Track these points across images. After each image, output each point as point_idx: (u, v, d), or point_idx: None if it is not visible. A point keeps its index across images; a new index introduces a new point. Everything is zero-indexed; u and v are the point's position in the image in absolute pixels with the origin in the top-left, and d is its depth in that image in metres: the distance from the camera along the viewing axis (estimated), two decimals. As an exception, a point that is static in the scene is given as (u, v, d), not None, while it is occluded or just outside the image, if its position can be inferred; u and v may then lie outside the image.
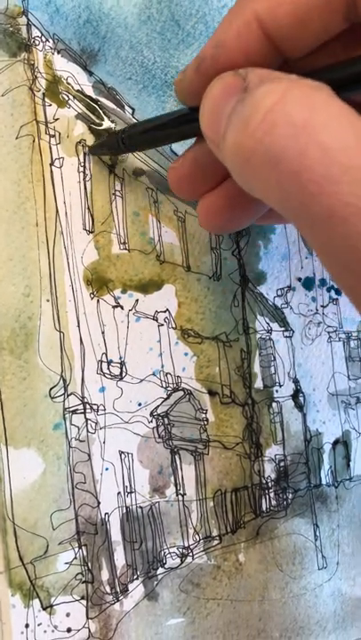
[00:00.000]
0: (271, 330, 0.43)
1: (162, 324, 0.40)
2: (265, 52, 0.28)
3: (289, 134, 0.22)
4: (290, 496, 0.42)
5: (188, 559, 0.40)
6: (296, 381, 0.43)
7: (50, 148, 0.39)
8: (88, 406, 0.38)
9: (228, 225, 0.36)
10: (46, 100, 0.39)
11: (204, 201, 0.35)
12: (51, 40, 0.39)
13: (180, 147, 0.42)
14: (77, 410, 0.38)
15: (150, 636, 0.38)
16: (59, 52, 0.40)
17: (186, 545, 0.40)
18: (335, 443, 0.44)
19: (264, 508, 0.42)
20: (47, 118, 0.39)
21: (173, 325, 0.41)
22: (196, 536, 0.40)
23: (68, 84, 0.40)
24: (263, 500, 0.42)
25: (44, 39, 0.39)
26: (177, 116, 0.34)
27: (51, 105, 0.39)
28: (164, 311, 0.41)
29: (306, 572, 0.41)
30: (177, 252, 0.42)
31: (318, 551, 0.42)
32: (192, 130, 0.32)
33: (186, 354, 0.41)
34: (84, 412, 0.38)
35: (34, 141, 0.39)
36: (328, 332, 0.44)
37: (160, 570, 0.39)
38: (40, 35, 0.39)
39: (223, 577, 0.40)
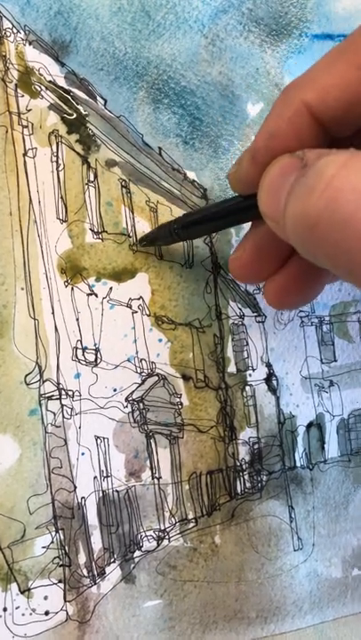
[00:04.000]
0: (244, 315, 0.42)
1: (136, 311, 0.39)
2: (315, 135, 0.28)
3: (355, 198, 0.22)
4: (264, 478, 0.41)
5: (165, 542, 0.39)
6: (269, 365, 0.42)
7: (23, 138, 0.38)
8: (64, 392, 0.37)
9: (300, 301, 0.36)
10: (19, 91, 0.38)
11: (270, 283, 0.35)
12: (22, 31, 0.38)
13: (151, 138, 0.41)
14: (53, 396, 0.37)
15: (128, 617, 0.37)
16: (30, 44, 0.38)
17: (162, 528, 0.39)
18: (309, 425, 0.43)
19: (239, 491, 0.41)
20: (20, 109, 0.38)
21: (147, 312, 0.40)
22: (172, 519, 0.39)
23: (41, 75, 0.38)
24: (238, 483, 0.41)
25: (15, 30, 0.38)
26: (231, 204, 0.34)
27: (23, 96, 0.38)
28: (138, 298, 0.40)
29: (281, 553, 0.40)
30: (150, 240, 0.40)
31: (294, 533, 0.41)
32: (247, 217, 0.33)
33: (160, 340, 0.40)
34: (60, 398, 0.37)
35: (7, 132, 0.38)
36: (300, 317, 0.43)
37: (137, 553, 0.38)
38: (11, 26, 0.38)
39: (200, 559, 0.39)
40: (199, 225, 0.36)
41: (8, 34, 0.38)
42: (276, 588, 0.40)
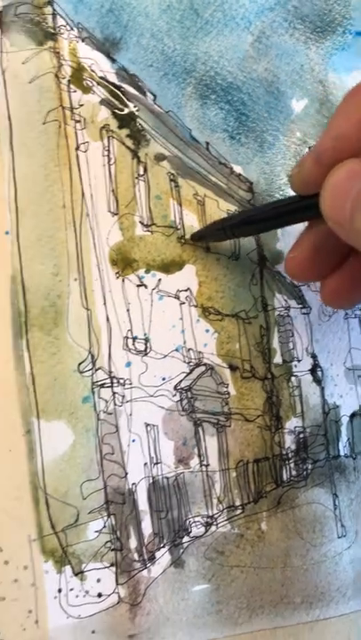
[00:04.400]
0: (289, 307, 0.43)
1: (183, 303, 0.40)
2: None
3: None
4: (309, 466, 0.42)
5: (213, 528, 0.39)
6: (314, 356, 0.43)
7: (75, 132, 0.39)
8: (115, 380, 0.38)
9: (357, 300, 0.36)
10: (71, 86, 0.39)
11: (327, 283, 0.35)
12: (75, 29, 0.39)
13: (199, 133, 0.41)
14: (105, 384, 0.38)
15: (177, 601, 0.38)
16: (83, 41, 0.39)
17: (210, 514, 0.39)
18: (352, 415, 0.43)
19: (285, 478, 0.42)
20: (72, 104, 0.39)
21: (195, 303, 0.40)
22: (220, 505, 0.40)
23: (92, 71, 0.39)
24: (284, 471, 0.42)
25: (68, 28, 0.39)
26: (288, 203, 0.34)
27: (76, 91, 0.39)
28: (186, 290, 0.40)
29: (326, 539, 0.41)
30: (197, 233, 0.41)
31: (338, 520, 0.41)
32: (306, 217, 0.34)
33: (207, 330, 0.41)
34: (112, 386, 0.38)
35: (60, 126, 0.38)
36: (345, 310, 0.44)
37: (185, 538, 0.39)
38: (65, 24, 0.39)
39: (246, 545, 0.40)
40: (254, 224, 0.37)
41: (62, 31, 0.39)
42: (320, 574, 0.41)
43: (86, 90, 0.39)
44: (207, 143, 0.41)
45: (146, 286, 0.39)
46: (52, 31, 0.38)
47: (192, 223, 0.41)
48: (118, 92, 0.40)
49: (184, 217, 0.41)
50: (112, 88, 0.40)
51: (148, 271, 0.40)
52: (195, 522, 0.39)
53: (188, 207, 0.41)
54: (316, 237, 0.34)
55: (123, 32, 0.40)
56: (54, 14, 0.39)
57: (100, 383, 0.38)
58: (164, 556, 0.38)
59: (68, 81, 0.39)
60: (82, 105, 0.39)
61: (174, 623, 0.38)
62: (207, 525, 0.39)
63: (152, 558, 0.38)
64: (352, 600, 0.41)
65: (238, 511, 0.40)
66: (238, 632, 0.39)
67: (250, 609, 0.39)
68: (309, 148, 0.43)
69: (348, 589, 0.41)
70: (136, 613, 0.37)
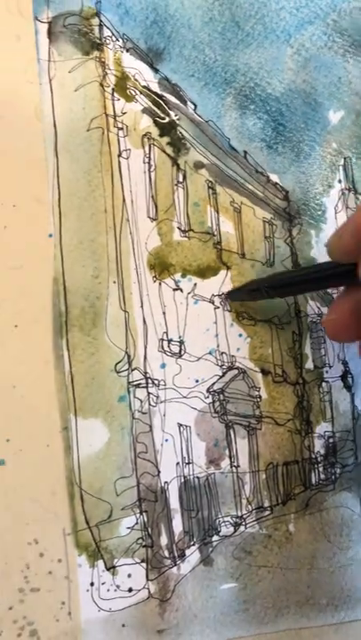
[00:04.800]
0: (322, 314, 0.43)
1: (218, 307, 0.41)
2: None
3: None
4: (338, 471, 0.43)
5: (242, 528, 0.40)
6: (345, 363, 0.43)
7: (118, 140, 0.40)
8: (150, 381, 0.39)
9: None
10: (115, 95, 0.40)
11: None
12: (120, 39, 0.40)
13: (237, 142, 0.42)
14: (140, 384, 0.39)
15: (206, 598, 0.39)
16: (127, 51, 0.40)
17: (239, 514, 0.40)
18: (381, 422, 0.44)
19: (313, 482, 0.42)
20: (116, 112, 0.40)
21: (229, 308, 0.41)
22: (249, 506, 0.40)
23: (136, 80, 0.40)
24: (313, 474, 0.42)
25: (114, 38, 0.40)
26: (326, 269, 0.36)
27: (119, 100, 0.40)
28: (220, 295, 0.41)
29: (353, 543, 0.41)
30: (233, 240, 0.42)
31: (365, 524, 0.42)
32: (343, 282, 0.35)
33: (240, 335, 0.41)
34: (147, 387, 0.39)
35: (103, 134, 0.39)
36: (376, 317, 0.44)
37: (215, 537, 0.39)
38: (111, 34, 0.40)
39: (274, 546, 0.40)
40: (291, 286, 0.38)
41: (107, 41, 0.40)
42: (347, 576, 0.41)
43: (129, 98, 0.40)
44: (245, 152, 0.42)
45: (182, 290, 0.40)
46: (99, 41, 0.39)
47: (228, 229, 0.42)
48: (160, 101, 0.41)
49: (221, 224, 0.42)
50: (154, 97, 0.41)
51: (184, 275, 0.40)
52: (224, 522, 0.40)
53: (225, 214, 0.42)
54: (354, 301, 0.35)
55: (166, 43, 0.41)
56: (101, 25, 0.40)
57: (135, 383, 0.38)
58: (193, 554, 0.39)
59: (113, 89, 0.40)
60: (125, 113, 0.40)
61: (202, 620, 0.38)
62: (236, 525, 0.40)
63: (182, 556, 0.39)
64: (377, 604, 0.41)
65: (267, 512, 0.41)
66: (264, 631, 0.39)
67: (276, 609, 0.40)
68: (345, 158, 0.44)
69: (374, 593, 0.41)
70: (165, 609, 0.38)
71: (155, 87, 0.41)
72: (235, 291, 0.41)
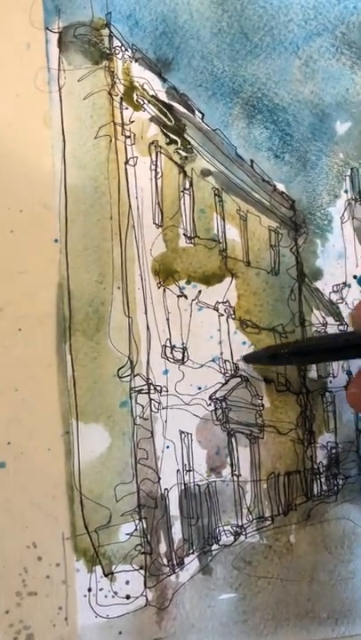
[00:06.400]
0: (326, 323, 0.43)
1: (222, 314, 0.40)
2: None
3: None
4: (340, 482, 0.41)
5: (242, 537, 0.39)
6: (349, 373, 0.42)
7: (125, 147, 0.39)
8: (152, 387, 0.38)
9: None
10: (123, 103, 0.40)
11: None
12: (130, 50, 0.40)
13: (244, 151, 0.42)
14: (142, 390, 0.38)
15: (204, 608, 0.38)
16: (136, 61, 0.40)
17: (240, 524, 0.39)
18: (385, 434, 0.43)
19: (315, 492, 0.41)
20: (123, 120, 0.40)
21: (233, 316, 0.40)
22: (250, 516, 0.40)
23: (144, 89, 0.40)
24: (315, 485, 0.41)
25: (123, 49, 0.40)
26: (348, 339, 0.34)
27: (127, 108, 0.40)
28: (225, 302, 0.40)
29: (354, 556, 0.40)
30: (238, 247, 0.42)
31: (367, 537, 0.41)
32: None
33: (244, 342, 0.41)
34: (149, 393, 0.38)
35: (111, 141, 0.39)
36: (381, 328, 0.43)
37: (215, 546, 0.39)
38: (120, 45, 0.40)
39: (274, 556, 0.39)
40: (312, 355, 0.37)
41: (117, 51, 0.40)
42: (348, 590, 0.40)
43: (137, 107, 0.40)
44: (252, 161, 0.42)
45: (186, 297, 0.40)
46: (108, 51, 0.39)
47: (234, 237, 0.41)
48: (168, 110, 0.41)
49: (227, 231, 0.41)
50: (162, 106, 0.41)
51: (188, 282, 0.40)
52: (224, 530, 0.39)
53: (231, 222, 0.41)
54: None
55: (175, 53, 0.41)
56: (111, 36, 0.40)
57: (137, 389, 0.38)
58: (192, 563, 0.38)
59: (121, 98, 0.40)
60: (132, 121, 0.40)
61: (200, 630, 0.37)
62: (236, 535, 0.39)
63: (181, 564, 0.38)
64: (379, 619, 0.40)
65: (268, 522, 0.40)
66: (263, 643, 0.38)
67: (275, 620, 0.39)
68: (352, 169, 0.43)
69: (376, 608, 0.40)
70: (163, 617, 0.37)
71: (163, 96, 0.41)
72: (252, 354, 0.40)
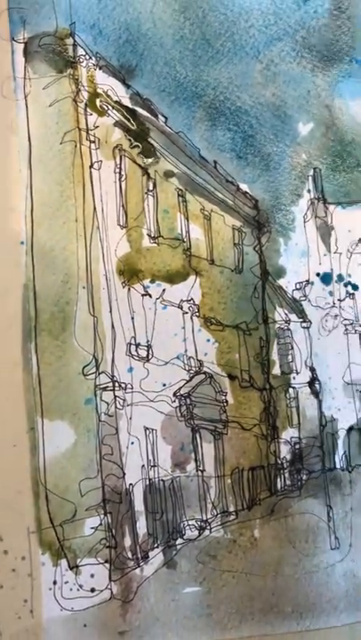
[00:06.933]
0: (290, 320, 0.43)
1: (186, 312, 0.41)
2: None
3: None
4: (304, 477, 0.42)
5: (206, 532, 0.39)
6: (313, 370, 0.43)
7: (90, 152, 0.40)
8: (117, 384, 0.39)
9: None
10: (88, 110, 0.41)
11: None
12: (93, 58, 0.41)
13: (207, 152, 0.43)
14: (107, 387, 0.39)
15: (168, 601, 0.38)
16: (100, 68, 0.41)
17: (204, 518, 0.40)
18: (350, 429, 0.43)
19: (279, 487, 0.41)
20: (88, 126, 0.40)
21: (197, 314, 0.41)
22: (214, 510, 0.40)
23: (108, 95, 0.41)
24: (278, 480, 0.41)
25: (87, 57, 0.41)
26: None
27: (92, 114, 0.41)
28: (189, 300, 0.41)
29: (318, 550, 0.40)
30: (202, 246, 0.42)
31: (331, 532, 0.41)
32: None
33: (208, 340, 0.41)
34: (114, 390, 0.39)
35: (76, 146, 0.40)
36: (345, 325, 0.43)
37: (179, 540, 0.39)
38: (84, 53, 0.41)
39: (239, 551, 0.39)
40: None
41: (81, 60, 0.41)
42: (312, 584, 0.40)
43: (101, 113, 0.41)
44: (215, 162, 0.42)
45: (150, 296, 0.40)
46: (72, 60, 0.40)
47: (198, 236, 0.42)
48: (131, 116, 0.42)
49: (190, 230, 0.42)
50: (125, 111, 0.41)
51: (153, 281, 0.41)
52: (189, 525, 0.39)
53: (195, 221, 0.42)
54: None
55: (138, 60, 0.42)
56: (75, 45, 0.41)
57: (102, 386, 0.39)
58: (157, 557, 0.38)
59: (85, 105, 0.41)
60: (97, 127, 0.41)
61: (164, 623, 0.38)
62: (201, 529, 0.39)
63: (145, 557, 0.38)
64: (344, 613, 0.40)
65: (232, 517, 0.40)
66: (227, 637, 0.38)
67: (240, 614, 0.39)
68: (314, 169, 0.44)
69: (340, 602, 0.40)
70: (127, 610, 0.37)
71: (126, 102, 0.42)
72: None
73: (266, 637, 0.39)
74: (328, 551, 0.40)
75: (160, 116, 0.42)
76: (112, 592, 0.37)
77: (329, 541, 0.41)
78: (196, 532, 0.39)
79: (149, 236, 0.41)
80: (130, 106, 0.42)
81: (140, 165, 0.41)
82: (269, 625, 0.39)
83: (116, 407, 0.39)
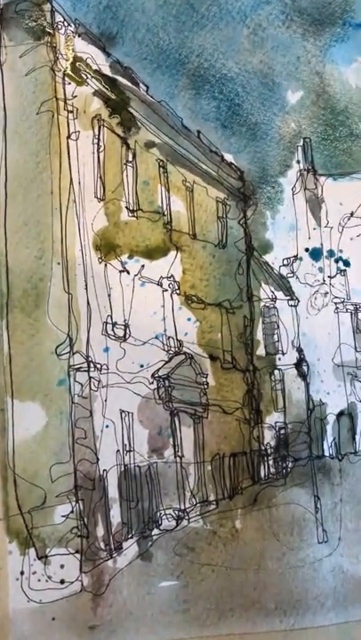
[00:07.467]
0: (276, 298, 0.40)
1: (166, 290, 0.39)
2: None
3: None
4: (290, 465, 0.39)
5: (184, 522, 0.37)
6: (300, 350, 0.40)
7: (67, 122, 0.39)
8: (92, 365, 0.37)
9: None
10: (66, 79, 0.39)
11: None
12: (72, 25, 0.39)
13: (191, 122, 0.41)
14: (81, 368, 0.37)
15: (142, 595, 0.36)
16: (79, 36, 0.39)
17: (182, 508, 0.37)
18: (340, 414, 0.40)
19: (263, 475, 0.39)
20: (66, 96, 0.39)
21: (177, 291, 0.39)
22: (193, 499, 0.38)
23: (87, 64, 0.39)
24: (262, 467, 0.39)
25: (66, 24, 0.39)
26: None
27: (70, 83, 0.39)
28: (169, 277, 0.39)
29: (304, 544, 0.37)
30: (184, 220, 0.40)
31: (319, 524, 0.38)
32: None
33: (189, 319, 0.39)
34: (88, 370, 0.37)
35: (53, 116, 0.38)
36: (335, 303, 0.41)
37: (155, 531, 0.37)
38: (63, 20, 0.39)
39: (219, 543, 0.37)
40: None
41: (59, 27, 0.39)
42: (297, 579, 0.37)
43: (80, 82, 0.39)
44: (198, 132, 0.40)
45: (128, 272, 0.38)
46: (50, 27, 0.39)
47: (179, 209, 0.40)
48: (111, 84, 0.40)
49: (172, 203, 0.40)
50: (105, 80, 0.40)
51: (131, 257, 0.39)
52: (166, 514, 0.37)
53: (177, 194, 0.40)
54: None
55: (119, 27, 0.40)
56: (52, 11, 0.39)
57: (76, 367, 0.37)
58: (131, 547, 0.36)
59: (64, 74, 0.39)
60: (75, 96, 0.39)
61: (138, 618, 0.35)
62: (179, 519, 0.37)
63: (119, 548, 0.36)
64: (332, 611, 0.37)
65: (212, 507, 0.38)
66: (206, 634, 0.36)
67: (219, 610, 0.36)
68: (304, 139, 0.42)
69: (328, 599, 0.37)
70: (98, 604, 0.35)
71: (106, 70, 0.40)
72: None
73: (247, 636, 0.36)
74: (315, 545, 0.38)
75: (141, 85, 0.40)
76: (83, 584, 0.35)
77: (316, 534, 0.38)
78: (174, 523, 0.37)
79: (128, 209, 0.39)
80: (110, 75, 0.40)
81: (119, 135, 0.39)
82: (250, 622, 0.36)
83: (90, 389, 0.37)
